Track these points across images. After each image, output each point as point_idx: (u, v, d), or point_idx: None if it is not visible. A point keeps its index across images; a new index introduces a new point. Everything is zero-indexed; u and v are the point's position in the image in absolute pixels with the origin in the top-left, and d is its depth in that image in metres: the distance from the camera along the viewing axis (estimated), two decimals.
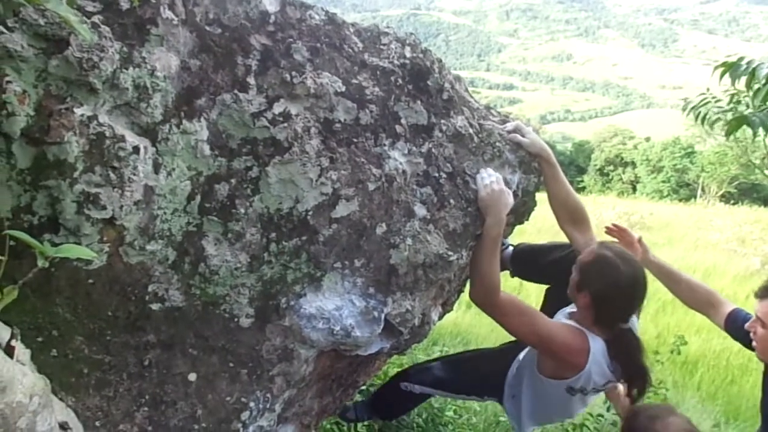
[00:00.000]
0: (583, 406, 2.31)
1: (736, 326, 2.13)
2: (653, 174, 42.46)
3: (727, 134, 1.37)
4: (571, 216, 2.17)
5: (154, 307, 1.56)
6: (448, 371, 2.50)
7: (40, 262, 1.00)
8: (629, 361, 2.06)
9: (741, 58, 1.33)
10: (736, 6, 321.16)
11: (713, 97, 1.52)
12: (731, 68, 1.33)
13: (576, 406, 2.26)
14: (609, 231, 2.45)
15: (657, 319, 8.46)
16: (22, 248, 1.42)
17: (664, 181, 41.30)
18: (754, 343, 1.99)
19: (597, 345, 2.02)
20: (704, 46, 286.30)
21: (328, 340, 1.68)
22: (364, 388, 2.97)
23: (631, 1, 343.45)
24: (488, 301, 1.97)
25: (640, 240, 2.39)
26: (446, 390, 2.54)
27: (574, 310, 2.16)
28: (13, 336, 1.02)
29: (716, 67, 1.40)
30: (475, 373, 2.49)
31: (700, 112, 1.52)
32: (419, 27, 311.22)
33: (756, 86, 1.27)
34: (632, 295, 2.03)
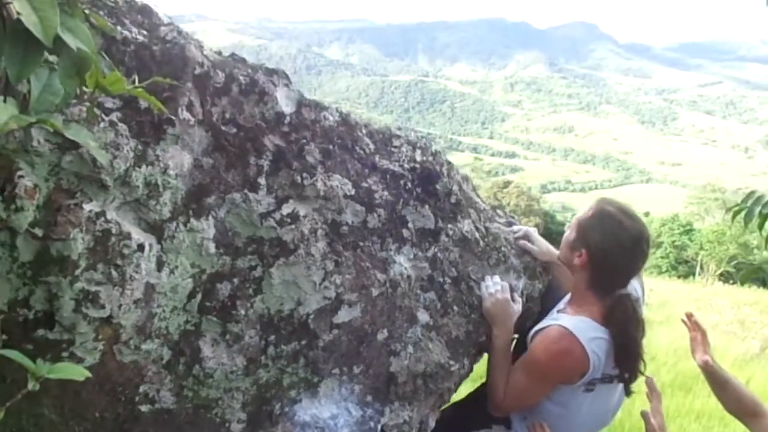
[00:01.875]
0: (614, 401, 2.01)
1: None
2: (652, 249, 42.51)
3: (741, 282, 1.35)
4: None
5: (144, 408, 1.50)
6: (455, 411, 2.34)
7: (31, 385, 0.96)
8: (620, 333, 1.83)
9: (751, 194, 1.33)
10: (733, 90, 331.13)
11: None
12: (743, 211, 1.34)
13: (601, 404, 1.97)
14: (688, 317, 2.31)
15: None
16: (12, 343, 1.39)
17: (662, 257, 41.35)
18: None
19: (586, 327, 1.82)
20: (702, 125, 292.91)
21: None
22: None
23: (632, 81, 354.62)
24: (509, 408, 1.95)
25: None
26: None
27: (561, 306, 2.01)
28: None
29: (728, 209, 1.40)
30: (474, 405, 2.27)
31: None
32: (426, 93, 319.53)
33: None
34: (634, 253, 1.85)
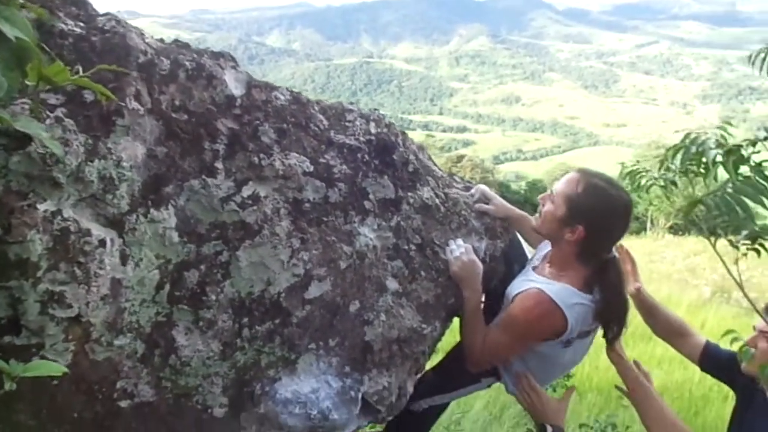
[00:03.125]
0: (585, 348, 2.15)
1: (716, 362, 2.14)
2: None
3: (684, 215, 1.45)
4: None
5: (123, 404, 1.49)
6: (440, 374, 2.38)
7: (7, 385, 0.95)
8: (613, 293, 1.92)
9: (687, 135, 1.41)
10: (668, 49, 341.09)
11: (644, 168, 1.70)
12: (681, 150, 1.42)
13: (578, 352, 2.11)
14: (618, 249, 2.31)
15: None
16: None
17: None
18: (743, 365, 1.87)
19: (564, 293, 1.88)
20: (642, 86, 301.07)
21: (305, 424, 1.64)
22: None
23: (572, 47, 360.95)
24: (486, 364, 2.07)
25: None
26: (447, 391, 2.38)
27: (536, 263, 2.08)
28: None
29: (668, 150, 1.49)
30: (462, 363, 2.27)
31: (637, 182, 1.67)
32: (372, 74, 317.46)
33: (704, 162, 1.35)
34: (626, 220, 1.92)
